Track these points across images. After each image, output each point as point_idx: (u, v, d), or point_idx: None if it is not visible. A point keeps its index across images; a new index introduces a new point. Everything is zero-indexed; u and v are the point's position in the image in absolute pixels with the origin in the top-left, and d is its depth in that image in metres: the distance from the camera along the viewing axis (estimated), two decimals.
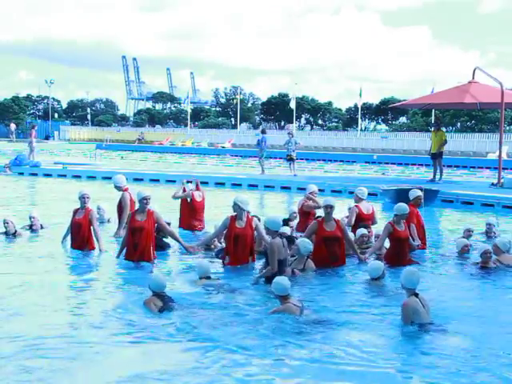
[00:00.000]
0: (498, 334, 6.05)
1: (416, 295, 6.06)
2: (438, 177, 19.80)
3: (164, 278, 6.85)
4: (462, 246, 9.40)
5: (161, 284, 6.63)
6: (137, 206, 9.86)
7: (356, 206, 10.31)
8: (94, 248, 9.35)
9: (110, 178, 11.23)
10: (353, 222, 10.08)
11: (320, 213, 10.04)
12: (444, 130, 27.58)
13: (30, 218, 11.02)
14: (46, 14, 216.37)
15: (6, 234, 10.34)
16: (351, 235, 9.29)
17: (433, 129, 20.58)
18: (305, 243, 8.08)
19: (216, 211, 12.71)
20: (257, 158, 23.68)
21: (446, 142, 20.33)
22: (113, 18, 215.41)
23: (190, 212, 11.52)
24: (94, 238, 9.43)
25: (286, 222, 10.40)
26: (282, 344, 5.55)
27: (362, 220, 10.11)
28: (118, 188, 10.39)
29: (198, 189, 11.67)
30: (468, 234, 10.37)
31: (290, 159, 23.29)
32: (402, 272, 6.28)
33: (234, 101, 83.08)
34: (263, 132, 24.87)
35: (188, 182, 12.03)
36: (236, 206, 8.52)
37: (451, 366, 5.13)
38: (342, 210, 11.50)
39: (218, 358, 5.27)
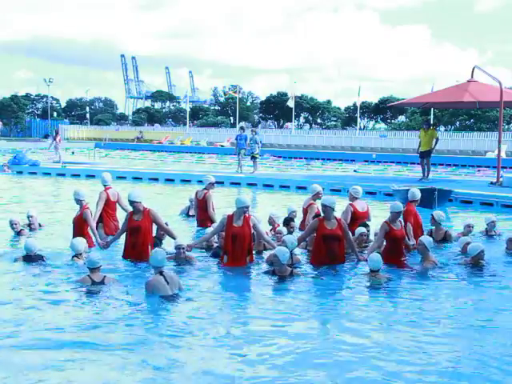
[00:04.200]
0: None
1: (161, 273, 6.89)
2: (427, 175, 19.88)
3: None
4: (464, 244, 9.36)
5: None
6: (117, 206, 10.53)
7: (350, 204, 10.33)
8: (92, 246, 9.34)
9: None
10: (348, 220, 10.09)
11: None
12: (443, 129, 27.59)
13: (29, 217, 11.02)
14: (45, 12, 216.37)
15: (17, 233, 10.41)
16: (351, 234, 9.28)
17: (424, 127, 20.48)
18: (282, 252, 7.89)
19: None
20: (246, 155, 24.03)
21: (438, 139, 20.44)
22: (111, 16, 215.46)
23: (197, 210, 11.83)
24: (92, 236, 9.44)
25: (288, 222, 10.35)
26: None
27: (358, 218, 10.13)
28: (103, 185, 10.62)
29: (206, 188, 11.71)
30: (468, 229, 10.38)
31: (253, 157, 23.45)
32: (152, 253, 7.16)
33: (228, 94, 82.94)
34: (243, 130, 25.23)
35: (199, 181, 12.24)
36: (241, 209, 8.49)
37: None
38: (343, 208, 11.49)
39: None
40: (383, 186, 17.85)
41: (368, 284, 7.68)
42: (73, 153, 39.89)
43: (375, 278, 7.71)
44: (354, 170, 28.17)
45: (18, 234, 10.37)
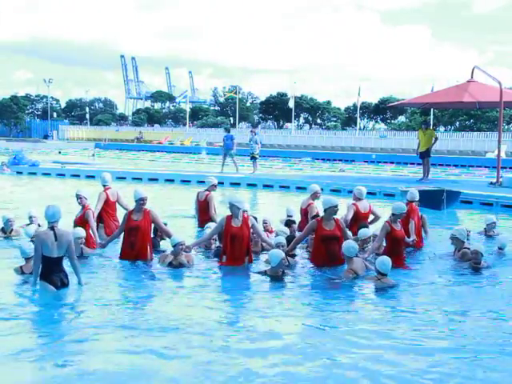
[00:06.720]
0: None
1: (52, 228, 6.96)
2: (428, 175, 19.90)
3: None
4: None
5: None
6: (116, 206, 10.55)
7: (353, 203, 10.33)
8: (93, 247, 9.33)
9: None
10: (349, 217, 10.10)
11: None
12: (443, 129, 27.57)
13: (31, 217, 10.92)
14: (45, 13, 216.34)
15: (4, 231, 10.30)
16: (350, 234, 9.27)
17: (422, 127, 20.46)
18: (274, 255, 7.91)
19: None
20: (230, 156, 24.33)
21: (437, 138, 20.46)
22: (111, 16, 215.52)
23: (198, 212, 11.84)
24: (93, 237, 9.43)
25: (289, 224, 10.32)
26: None
27: (359, 218, 10.17)
28: (103, 185, 10.65)
29: (208, 190, 11.72)
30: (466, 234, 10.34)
31: (253, 157, 23.54)
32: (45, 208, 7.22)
33: (228, 95, 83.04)
34: (227, 130, 25.76)
35: (199, 182, 12.25)
36: (234, 207, 8.48)
37: None
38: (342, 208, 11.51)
39: None
40: (382, 186, 17.88)
41: (368, 286, 7.63)
42: (59, 152, 40.19)
43: (381, 281, 7.55)
44: (341, 170, 28.24)
45: (10, 232, 10.28)
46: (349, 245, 8.06)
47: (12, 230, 10.34)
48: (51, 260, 6.90)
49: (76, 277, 7.21)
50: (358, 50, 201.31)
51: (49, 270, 6.93)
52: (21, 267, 7.80)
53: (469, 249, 8.96)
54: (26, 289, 7.18)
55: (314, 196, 10.84)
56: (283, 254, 7.99)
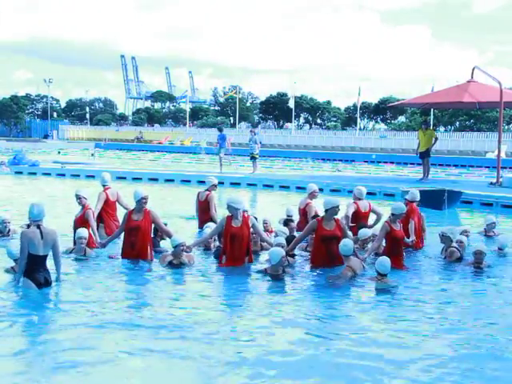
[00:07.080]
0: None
1: (38, 227, 6.97)
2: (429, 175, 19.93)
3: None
4: (458, 242, 9.39)
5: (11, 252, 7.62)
6: (117, 206, 10.51)
7: (354, 202, 10.34)
8: (93, 247, 9.31)
9: None
10: (350, 213, 10.11)
11: None
12: (443, 129, 27.52)
13: None
14: (45, 12, 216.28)
15: (1, 232, 10.25)
16: (350, 234, 9.27)
17: (422, 127, 20.45)
18: (274, 253, 7.91)
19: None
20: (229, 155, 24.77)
21: (437, 138, 20.47)
22: (111, 16, 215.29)
23: (199, 212, 11.82)
24: (93, 237, 9.43)
25: (287, 222, 10.34)
26: None
27: (359, 218, 10.20)
28: (103, 185, 10.65)
29: (208, 190, 11.69)
30: (465, 234, 10.36)
31: (253, 157, 23.63)
32: (29, 207, 7.14)
33: (228, 95, 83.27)
34: (220, 130, 26.07)
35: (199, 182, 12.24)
36: (231, 208, 8.49)
37: None
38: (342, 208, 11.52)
39: None
40: (382, 186, 17.89)
41: (368, 286, 7.62)
42: (59, 152, 40.29)
43: (381, 282, 7.53)
44: (338, 170, 28.31)
45: (8, 233, 10.22)
46: (343, 244, 8.06)
47: (9, 230, 10.32)
48: (37, 258, 6.98)
49: (56, 273, 7.29)
50: (358, 50, 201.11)
51: (33, 267, 7.00)
52: (12, 267, 7.79)
53: (457, 248, 9.01)
54: (17, 288, 7.17)
55: (312, 196, 10.86)
56: (283, 252, 7.99)
